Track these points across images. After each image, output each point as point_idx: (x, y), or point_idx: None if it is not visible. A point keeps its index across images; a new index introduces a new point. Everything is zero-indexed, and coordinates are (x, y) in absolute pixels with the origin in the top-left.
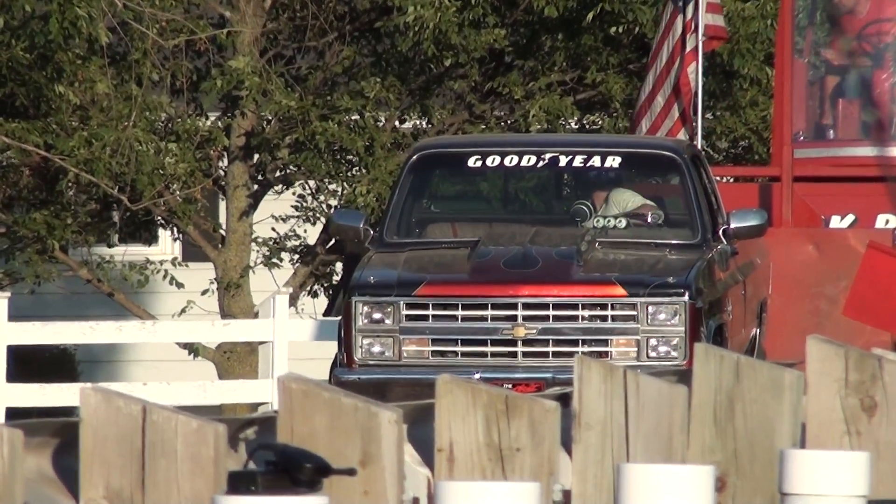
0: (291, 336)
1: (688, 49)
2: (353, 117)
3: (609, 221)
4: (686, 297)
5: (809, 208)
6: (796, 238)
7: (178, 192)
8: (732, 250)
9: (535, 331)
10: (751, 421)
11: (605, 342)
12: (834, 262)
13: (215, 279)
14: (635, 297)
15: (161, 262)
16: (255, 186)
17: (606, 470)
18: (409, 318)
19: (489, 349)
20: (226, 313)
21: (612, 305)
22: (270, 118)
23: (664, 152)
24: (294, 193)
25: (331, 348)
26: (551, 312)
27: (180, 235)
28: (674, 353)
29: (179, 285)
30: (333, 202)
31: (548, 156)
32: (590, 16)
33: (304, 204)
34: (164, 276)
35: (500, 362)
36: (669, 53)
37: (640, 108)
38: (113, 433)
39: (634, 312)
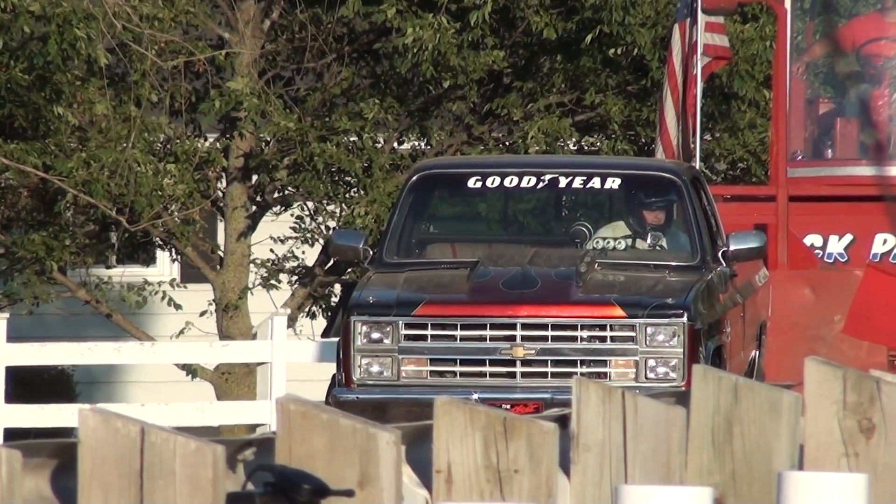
0: (290, 357)
1: (693, 71)
2: (351, 138)
3: (608, 243)
4: (685, 319)
5: (806, 249)
6: (793, 279)
7: (176, 214)
8: (731, 272)
9: (533, 351)
10: (749, 442)
11: (603, 363)
12: (831, 295)
13: (213, 300)
14: (634, 318)
15: (159, 284)
16: (254, 208)
17: (604, 491)
18: (407, 337)
19: (488, 369)
20: (224, 334)
21: (610, 326)
22: (269, 139)
23: (664, 174)
24: (292, 215)
25: (329, 369)
26: (550, 333)
27: (178, 257)
28: (672, 375)
29: (178, 306)
30: (332, 223)
31: (547, 177)
32: (588, 38)
33: (303, 225)
34: (163, 298)
35: (499, 383)
36: (682, 76)
37: (664, 134)
38: (111, 454)
39: (633, 334)
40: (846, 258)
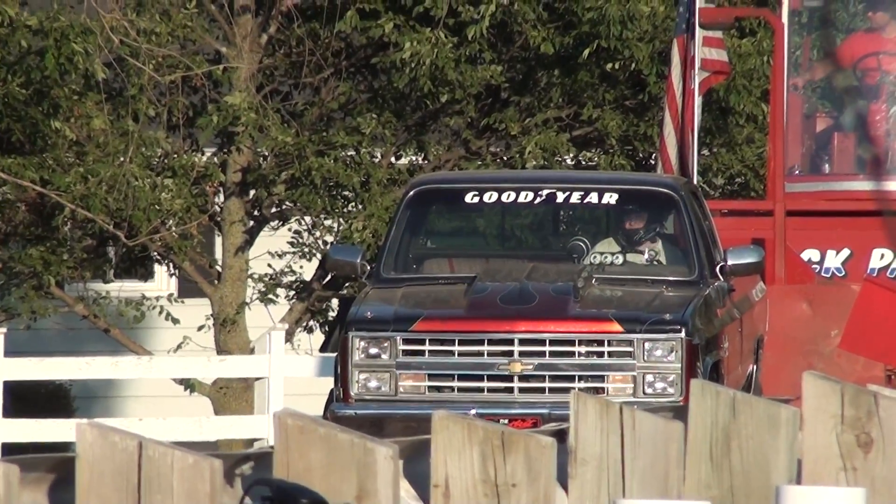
0: (287, 372)
1: (691, 86)
2: (349, 153)
3: (606, 258)
4: (682, 334)
5: (803, 264)
6: (790, 294)
7: (174, 228)
8: (729, 287)
9: (531, 366)
10: (747, 457)
11: (601, 378)
12: (828, 310)
13: (211, 315)
14: (632, 333)
15: (157, 298)
16: (251, 222)
17: None
18: (405, 353)
19: (485, 385)
20: (222, 349)
21: (608, 342)
22: (266, 154)
23: (661, 189)
24: (290, 229)
25: (326, 384)
26: (548, 348)
27: (176, 271)
28: (670, 390)
29: (175, 321)
30: (329, 238)
31: (545, 192)
32: (586, 52)
33: (300, 240)
34: (160, 312)
35: (497, 398)
36: (681, 91)
37: (662, 149)
38: (109, 469)
39: (631, 349)
40: (844, 273)
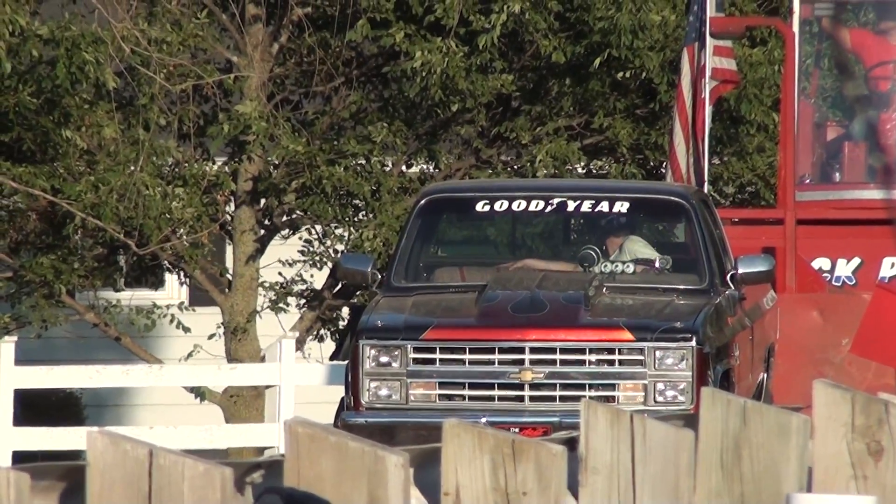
0: (298, 380)
1: (701, 95)
2: (359, 162)
3: (617, 266)
4: (693, 342)
5: (814, 273)
6: (801, 302)
7: (184, 237)
8: (740, 295)
9: (542, 375)
10: (758, 465)
11: (612, 386)
12: (839, 319)
13: (222, 323)
14: (643, 341)
15: (168, 307)
16: (262, 231)
17: None
18: (416, 361)
19: (496, 393)
20: (232, 357)
21: (619, 350)
22: (277, 163)
23: (672, 198)
24: (301, 238)
25: (337, 392)
26: (558, 356)
27: (187, 280)
28: (681, 398)
29: (186, 329)
30: (340, 247)
31: (556, 201)
32: (597, 61)
33: (311, 248)
34: (171, 321)
35: (508, 406)
36: (691, 99)
37: (672, 157)
38: (119, 477)
39: (642, 357)
40: (854, 281)
